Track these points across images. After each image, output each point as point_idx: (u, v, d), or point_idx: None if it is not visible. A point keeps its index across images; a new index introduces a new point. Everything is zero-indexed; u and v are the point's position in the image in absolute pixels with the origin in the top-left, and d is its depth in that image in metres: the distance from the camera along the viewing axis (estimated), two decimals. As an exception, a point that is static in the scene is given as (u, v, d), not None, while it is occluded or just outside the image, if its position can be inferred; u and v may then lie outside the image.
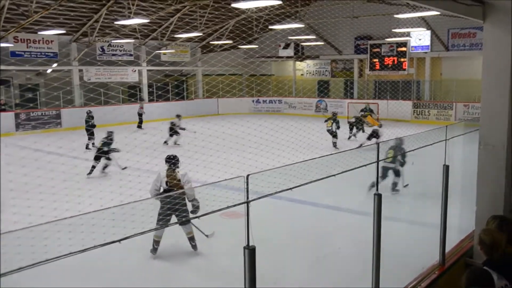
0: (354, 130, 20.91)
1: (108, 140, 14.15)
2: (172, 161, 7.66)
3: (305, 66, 31.65)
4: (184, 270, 7.18)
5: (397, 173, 10.58)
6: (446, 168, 5.50)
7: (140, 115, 24.40)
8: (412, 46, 25.82)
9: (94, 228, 2.62)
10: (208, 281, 6.68)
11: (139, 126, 24.14)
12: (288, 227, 8.30)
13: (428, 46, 25.55)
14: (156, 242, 7.37)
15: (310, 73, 31.57)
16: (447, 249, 5.59)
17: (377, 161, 4.45)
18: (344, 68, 30.12)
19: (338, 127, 19.53)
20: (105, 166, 14.05)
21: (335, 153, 4.27)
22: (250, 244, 2.97)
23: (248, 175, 3.19)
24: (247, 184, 3.06)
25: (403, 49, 25.77)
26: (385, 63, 26.32)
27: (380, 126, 24.02)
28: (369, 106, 24.64)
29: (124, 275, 6.78)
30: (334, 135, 19.22)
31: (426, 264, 5.44)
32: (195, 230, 7.47)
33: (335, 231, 8.19)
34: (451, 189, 5.64)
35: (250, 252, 2.93)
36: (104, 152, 13.78)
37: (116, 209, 2.69)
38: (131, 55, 27.17)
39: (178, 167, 7.74)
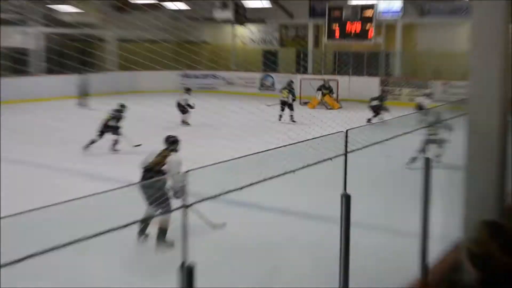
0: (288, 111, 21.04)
1: (117, 114, 14.99)
2: (169, 141, 8.54)
3: (247, 33, 31.63)
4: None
5: (441, 143, 11.21)
6: (427, 161, 5.56)
7: None
8: (380, 11, 26.14)
9: None
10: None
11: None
12: (231, 237, 8.25)
13: (400, 10, 25.96)
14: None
15: (254, 41, 31.62)
16: (429, 263, 5.69)
17: (345, 153, 4.47)
18: (296, 35, 30.34)
19: (294, 99, 20.00)
20: (115, 143, 14.82)
21: (294, 143, 4.24)
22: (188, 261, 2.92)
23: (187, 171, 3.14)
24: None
25: (369, 13, 26.10)
26: (347, 30, 26.57)
27: (340, 107, 24.51)
28: (328, 83, 24.97)
29: None
30: (291, 107, 20.08)
31: (403, 282, 5.53)
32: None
33: (289, 240, 8.22)
34: (434, 188, 5.72)
35: (188, 272, 2.87)
36: (110, 127, 14.72)
37: None
38: (19, 13, 26.32)
39: (176, 151, 8.44)
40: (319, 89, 24.84)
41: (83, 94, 23.85)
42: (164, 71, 30.40)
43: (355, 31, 26.52)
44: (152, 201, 6.72)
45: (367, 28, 26.22)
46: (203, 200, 3.32)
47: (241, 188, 3.57)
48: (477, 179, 5.97)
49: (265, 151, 3.93)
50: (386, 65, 27.39)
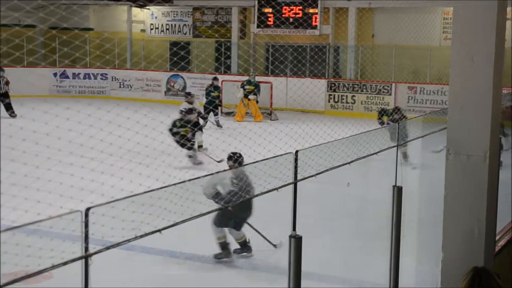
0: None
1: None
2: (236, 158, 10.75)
3: (148, 18, 31.60)
4: None
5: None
6: (398, 191, 5.74)
7: None
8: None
9: None
10: None
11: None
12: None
13: (354, -11, 26.48)
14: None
15: (158, 29, 31.61)
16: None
17: (295, 182, 4.62)
18: (215, 22, 30.44)
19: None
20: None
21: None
22: None
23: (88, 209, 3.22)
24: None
25: (312, -6, 26.47)
26: (284, 15, 26.79)
27: (273, 118, 24.72)
28: (255, 81, 24.88)
29: None
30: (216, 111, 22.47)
31: None
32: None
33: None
34: (405, 226, 5.90)
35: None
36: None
37: None
38: None
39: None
40: (241, 86, 24.68)
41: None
42: (31, 68, 29.96)
43: (295, 17, 26.74)
44: None
45: (310, 12, 26.49)
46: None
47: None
48: (461, 213, 6.16)
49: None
50: (336, 64, 27.66)
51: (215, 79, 23.50)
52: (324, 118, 24.33)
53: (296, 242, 4.49)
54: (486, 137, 5.94)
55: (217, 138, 20.41)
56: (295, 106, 25.82)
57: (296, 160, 4.52)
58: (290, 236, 4.50)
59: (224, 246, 9.96)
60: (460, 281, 4.81)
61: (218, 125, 22.25)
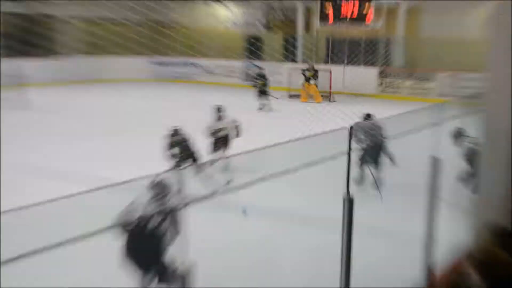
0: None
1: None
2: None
3: (228, 14, 31.62)
4: None
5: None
6: (434, 162, 5.74)
7: None
8: (379, -8, 26.28)
9: None
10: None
11: None
12: (222, 238, 8.42)
13: (403, -9, 26.15)
14: None
15: (236, 24, 31.59)
16: (434, 270, 5.93)
17: (349, 151, 4.70)
18: (284, 18, 30.32)
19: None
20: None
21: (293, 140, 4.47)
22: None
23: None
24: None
25: (367, -6, 26.25)
26: (343, 13, 26.57)
27: (332, 100, 24.61)
28: (313, 67, 24.92)
29: None
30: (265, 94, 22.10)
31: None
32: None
33: (281, 248, 8.43)
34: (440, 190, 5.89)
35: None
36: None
37: None
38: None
39: None
40: (302, 73, 24.84)
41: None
42: (132, 58, 30.36)
43: (351, 14, 26.47)
44: None
45: (365, 11, 26.22)
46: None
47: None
48: (490, 181, 6.14)
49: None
50: (386, 54, 27.42)
51: (260, 68, 24.02)
52: (375, 100, 24.25)
53: (349, 202, 4.53)
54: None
55: (287, 111, 20.68)
56: (351, 90, 25.71)
57: (350, 134, 4.59)
58: (344, 198, 4.54)
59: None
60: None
61: (261, 108, 22.00)
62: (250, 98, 21.85)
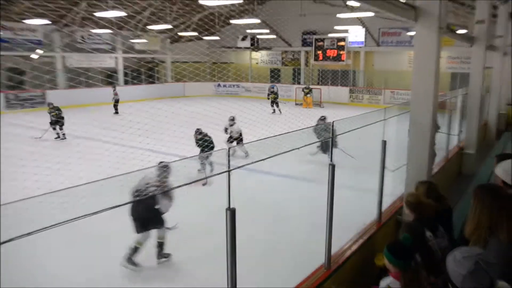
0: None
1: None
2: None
3: (259, 56, 31.50)
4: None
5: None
6: (384, 143, 5.66)
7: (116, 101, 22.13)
8: (349, 41, 25.98)
9: (85, 199, 2.56)
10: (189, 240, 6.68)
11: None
12: (251, 195, 8.35)
13: (363, 41, 25.86)
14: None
15: (264, 61, 31.47)
16: (383, 209, 5.84)
17: (332, 137, 4.58)
18: (293, 58, 30.17)
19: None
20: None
21: (296, 130, 4.34)
22: (231, 206, 3.04)
23: (229, 148, 3.25)
24: (229, 156, 3.12)
25: (342, 43, 25.98)
26: (327, 54, 26.45)
27: (322, 106, 24.47)
28: (309, 86, 25.18)
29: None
30: (277, 104, 21.85)
31: (366, 221, 5.67)
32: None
33: (289, 197, 8.34)
34: (386, 161, 5.81)
35: (232, 213, 3.01)
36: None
37: (104, 181, 2.63)
38: (108, 43, 26.45)
39: None
40: (302, 90, 25.18)
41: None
42: (203, 82, 30.59)
43: (333, 55, 26.39)
44: None
45: (341, 53, 26.12)
46: (242, 166, 3.42)
47: (265, 159, 3.66)
48: (415, 155, 6.09)
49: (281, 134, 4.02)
50: (353, 79, 27.19)
51: (273, 87, 22.96)
52: (348, 106, 24.06)
53: (332, 168, 4.36)
54: (430, 116, 5.87)
55: (292, 114, 20.63)
56: (333, 100, 25.55)
57: (332, 126, 4.46)
58: (329, 164, 4.40)
59: None
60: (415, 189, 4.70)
61: (273, 112, 21.55)
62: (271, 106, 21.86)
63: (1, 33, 21.19)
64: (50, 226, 2.23)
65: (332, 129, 4.53)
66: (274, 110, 21.57)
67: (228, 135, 12.42)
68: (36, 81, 23.20)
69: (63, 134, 15.03)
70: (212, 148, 10.37)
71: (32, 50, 22.91)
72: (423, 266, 3.27)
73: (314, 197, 4.97)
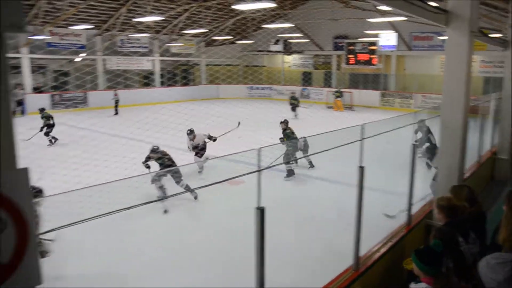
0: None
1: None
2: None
3: (291, 59, 31.40)
4: (194, 227, 7.22)
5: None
6: (413, 147, 5.54)
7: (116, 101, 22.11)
8: (381, 45, 25.62)
9: (120, 194, 2.59)
10: (217, 237, 6.70)
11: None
12: (283, 194, 8.31)
13: (395, 45, 25.45)
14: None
15: (296, 65, 31.36)
16: (412, 213, 5.69)
17: (362, 139, 4.49)
18: (324, 61, 29.97)
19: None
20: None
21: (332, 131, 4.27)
22: (260, 205, 3.01)
23: (260, 148, 3.22)
24: (259, 156, 3.09)
25: (374, 47, 25.58)
26: (359, 58, 26.09)
27: (353, 110, 24.20)
28: (340, 90, 24.86)
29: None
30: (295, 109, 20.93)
31: (396, 225, 5.55)
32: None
33: (320, 197, 8.26)
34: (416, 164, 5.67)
35: (261, 212, 2.99)
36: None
37: (137, 178, 2.67)
38: (146, 47, 26.93)
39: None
40: (333, 93, 24.88)
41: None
42: (237, 85, 30.74)
43: (364, 59, 26.02)
44: None
45: (372, 57, 25.73)
46: (273, 166, 3.38)
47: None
48: (446, 159, 5.93)
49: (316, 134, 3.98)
50: (384, 83, 26.76)
51: (293, 93, 22.44)
52: (379, 110, 23.72)
53: (361, 170, 4.28)
54: (460, 119, 5.72)
55: (322, 116, 20.48)
56: (364, 104, 25.24)
57: (362, 129, 4.39)
58: (358, 167, 4.32)
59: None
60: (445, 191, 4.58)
61: (296, 116, 20.44)
62: (305, 108, 21.71)
63: (49, 38, 21.92)
64: (94, 217, 2.27)
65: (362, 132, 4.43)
66: (295, 115, 20.83)
67: (190, 149, 10.73)
68: (78, 82, 23.92)
69: (51, 140, 14.24)
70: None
71: (76, 53, 23.60)
72: (454, 272, 3.17)
73: (342, 198, 4.90)
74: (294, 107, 20.91)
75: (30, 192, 1.20)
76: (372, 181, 4.93)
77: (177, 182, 8.16)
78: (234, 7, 15.64)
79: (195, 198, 8.25)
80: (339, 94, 24.65)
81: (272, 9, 22.29)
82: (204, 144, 10.62)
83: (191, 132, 10.68)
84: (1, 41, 1.16)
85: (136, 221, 6.76)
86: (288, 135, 10.37)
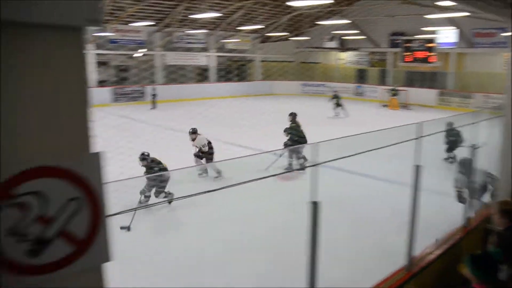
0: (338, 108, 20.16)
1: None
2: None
3: (346, 56, 30.93)
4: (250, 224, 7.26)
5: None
6: (473, 147, 5.34)
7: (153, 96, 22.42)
8: (439, 42, 24.70)
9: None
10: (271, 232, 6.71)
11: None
12: (335, 191, 8.19)
13: (454, 42, 24.40)
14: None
15: (351, 62, 30.88)
16: (470, 216, 5.49)
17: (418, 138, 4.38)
18: (380, 59, 29.27)
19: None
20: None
21: (383, 129, 4.20)
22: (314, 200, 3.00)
23: (317, 143, 3.22)
24: (317, 151, 3.08)
25: (432, 44, 24.73)
26: (416, 56, 25.32)
27: (409, 109, 23.54)
28: (395, 87, 24.21)
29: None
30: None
31: (450, 227, 5.37)
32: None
33: (373, 196, 8.11)
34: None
35: (315, 206, 2.99)
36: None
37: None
38: (202, 43, 27.42)
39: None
40: (389, 92, 24.26)
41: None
42: (291, 81, 30.69)
43: (421, 57, 25.20)
44: None
45: (429, 55, 24.89)
46: (328, 161, 3.36)
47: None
48: (509, 160, 5.66)
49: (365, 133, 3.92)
50: (442, 81, 25.81)
51: (335, 91, 21.11)
52: (435, 109, 23.01)
53: (417, 169, 4.18)
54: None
55: (376, 114, 20.07)
56: (420, 102, 24.49)
57: (421, 128, 4.28)
58: (414, 166, 4.22)
59: None
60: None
61: (337, 115, 19.65)
62: (358, 106, 21.37)
63: (113, 34, 22.84)
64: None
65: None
66: (337, 113, 19.90)
67: (197, 150, 9.85)
68: (137, 77, 24.76)
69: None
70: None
71: (135, 49, 24.42)
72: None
73: (395, 197, 4.79)
74: (336, 105, 20.23)
75: (103, 175, 1.27)
76: (428, 181, 4.78)
77: (158, 193, 7.52)
78: (289, 3, 15.60)
79: (170, 203, 7.60)
80: (395, 92, 24.04)
81: (328, 6, 22.04)
82: (208, 148, 9.63)
83: (193, 131, 9.75)
84: (81, 34, 1.23)
85: (193, 211, 6.91)
86: (292, 129, 10.29)
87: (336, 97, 20.28)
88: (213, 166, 9.28)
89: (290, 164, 9.99)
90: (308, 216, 2.97)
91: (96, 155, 1.25)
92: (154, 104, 22.21)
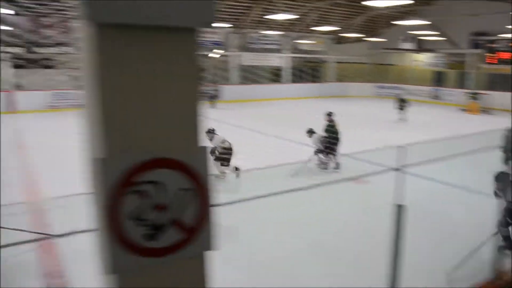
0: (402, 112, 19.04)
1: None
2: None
3: (422, 58, 29.73)
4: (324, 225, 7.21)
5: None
6: None
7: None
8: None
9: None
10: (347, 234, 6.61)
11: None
12: (417, 196, 7.90)
13: (544, 42, 22.66)
14: None
15: (427, 64, 29.63)
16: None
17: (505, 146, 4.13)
18: (458, 60, 27.79)
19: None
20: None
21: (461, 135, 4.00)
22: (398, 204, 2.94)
23: (399, 146, 3.16)
24: (399, 154, 3.03)
25: (519, 45, 23.16)
26: (500, 57, 23.76)
27: (491, 114, 22.22)
28: (475, 92, 22.92)
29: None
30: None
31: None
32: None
33: (453, 203, 7.71)
34: None
35: (400, 210, 2.92)
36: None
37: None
38: (277, 44, 27.61)
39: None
40: (468, 95, 23.04)
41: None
42: (365, 83, 30.11)
43: (506, 58, 23.53)
44: None
45: (515, 55, 23.23)
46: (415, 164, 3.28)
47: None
48: None
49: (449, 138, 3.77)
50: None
51: (402, 99, 19.75)
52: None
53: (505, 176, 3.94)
54: None
55: (453, 119, 19.10)
56: (505, 107, 22.85)
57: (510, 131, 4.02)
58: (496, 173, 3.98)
59: None
60: None
61: (401, 119, 18.59)
62: (436, 109, 20.47)
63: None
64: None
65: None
66: (401, 117, 18.86)
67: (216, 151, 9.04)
68: (213, 77, 25.43)
69: None
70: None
71: (212, 49, 25.11)
72: None
73: (477, 207, 4.54)
74: (401, 108, 19.31)
75: (209, 167, 1.34)
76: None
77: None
78: (364, 3, 15.30)
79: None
80: (475, 96, 22.73)
81: (404, 6, 21.30)
82: (226, 150, 8.96)
83: (209, 131, 9.13)
84: (195, 35, 1.30)
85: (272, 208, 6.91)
86: (328, 130, 10.19)
87: (402, 101, 19.49)
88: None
89: (324, 164, 9.93)
90: (391, 218, 2.91)
91: (203, 149, 1.33)
92: (213, 104, 22.22)
